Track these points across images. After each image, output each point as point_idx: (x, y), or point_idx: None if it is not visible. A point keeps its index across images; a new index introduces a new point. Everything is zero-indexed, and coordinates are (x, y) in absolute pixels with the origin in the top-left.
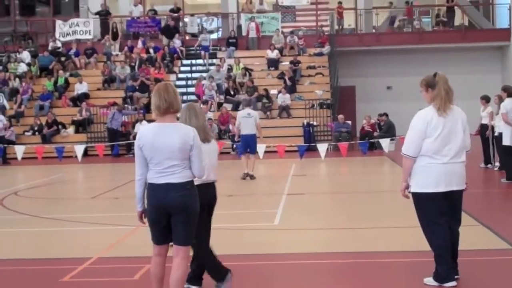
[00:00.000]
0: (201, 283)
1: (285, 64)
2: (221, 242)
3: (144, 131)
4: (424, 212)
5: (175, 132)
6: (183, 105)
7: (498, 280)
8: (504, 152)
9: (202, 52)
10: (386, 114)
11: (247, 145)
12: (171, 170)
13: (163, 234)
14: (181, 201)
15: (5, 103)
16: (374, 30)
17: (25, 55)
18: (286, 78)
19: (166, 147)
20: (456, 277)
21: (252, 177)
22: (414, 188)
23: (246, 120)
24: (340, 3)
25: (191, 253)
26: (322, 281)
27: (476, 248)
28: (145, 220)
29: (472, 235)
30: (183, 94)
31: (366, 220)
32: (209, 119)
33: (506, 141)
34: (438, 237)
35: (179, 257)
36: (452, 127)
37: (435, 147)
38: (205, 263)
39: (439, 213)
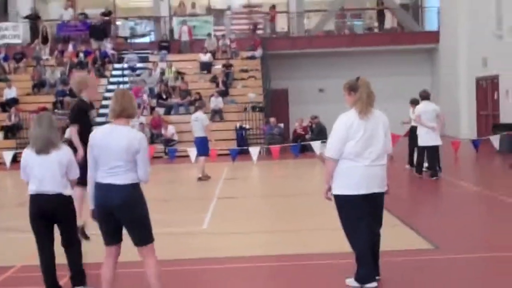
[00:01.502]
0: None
1: (218, 67)
2: None
3: (96, 131)
4: (346, 214)
5: (123, 134)
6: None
7: (419, 279)
8: (419, 151)
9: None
10: (316, 117)
11: (197, 148)
12: (114, 170)
13: (109, 235)
14: (122, 202)
15: None
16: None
17: None
18: (219, 81)
19: (113, 147)
20: (377, 278)
21: (207, 177)
22: (336, 190)
23: (194, 124)
24: (273, 6)
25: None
26: (246, 284)
27: (397, 249)
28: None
29: (393, 235)
30: None
31: (292, 222)
32: (141, 123)
33: (420, 142)
34: (360, 239)
35: (148, 257)
36: (373, 130)
37: (356, 150)
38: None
39: (360, 215)
